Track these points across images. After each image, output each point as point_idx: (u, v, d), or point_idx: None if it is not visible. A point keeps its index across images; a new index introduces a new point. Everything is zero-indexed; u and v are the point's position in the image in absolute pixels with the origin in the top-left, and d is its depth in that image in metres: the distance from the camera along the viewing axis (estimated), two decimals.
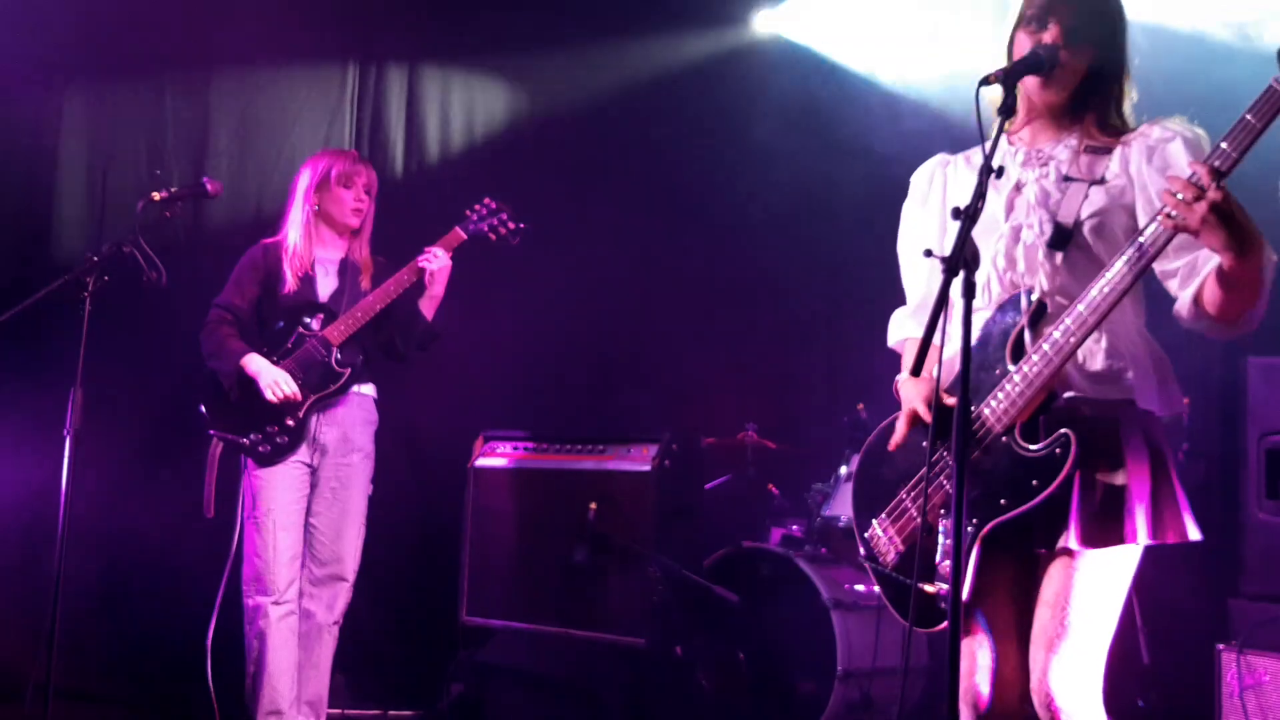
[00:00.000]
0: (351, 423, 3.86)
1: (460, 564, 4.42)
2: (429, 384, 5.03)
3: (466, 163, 5.26)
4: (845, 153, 5.12)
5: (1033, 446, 2.05)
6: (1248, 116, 1.85)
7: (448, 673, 4.39)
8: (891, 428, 2.36)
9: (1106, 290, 1.99)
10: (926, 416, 2.21)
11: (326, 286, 3.90)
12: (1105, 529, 2.06)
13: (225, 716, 3.75)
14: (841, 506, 4.51)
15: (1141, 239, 1.97)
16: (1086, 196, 2.15)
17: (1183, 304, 2.10)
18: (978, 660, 2.20)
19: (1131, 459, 2.09)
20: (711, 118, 5.46)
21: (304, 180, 3.92)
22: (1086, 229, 2.15)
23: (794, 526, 4.77)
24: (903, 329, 2.50)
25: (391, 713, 4.59)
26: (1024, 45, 2.19)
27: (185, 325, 3.92)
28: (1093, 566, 2.08)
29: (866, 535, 2.38)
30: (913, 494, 2.28)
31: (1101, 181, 2.15)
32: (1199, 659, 3.51)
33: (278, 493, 3.74)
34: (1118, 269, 1.99)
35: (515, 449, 4.48)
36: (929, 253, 2.00)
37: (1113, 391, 2.11)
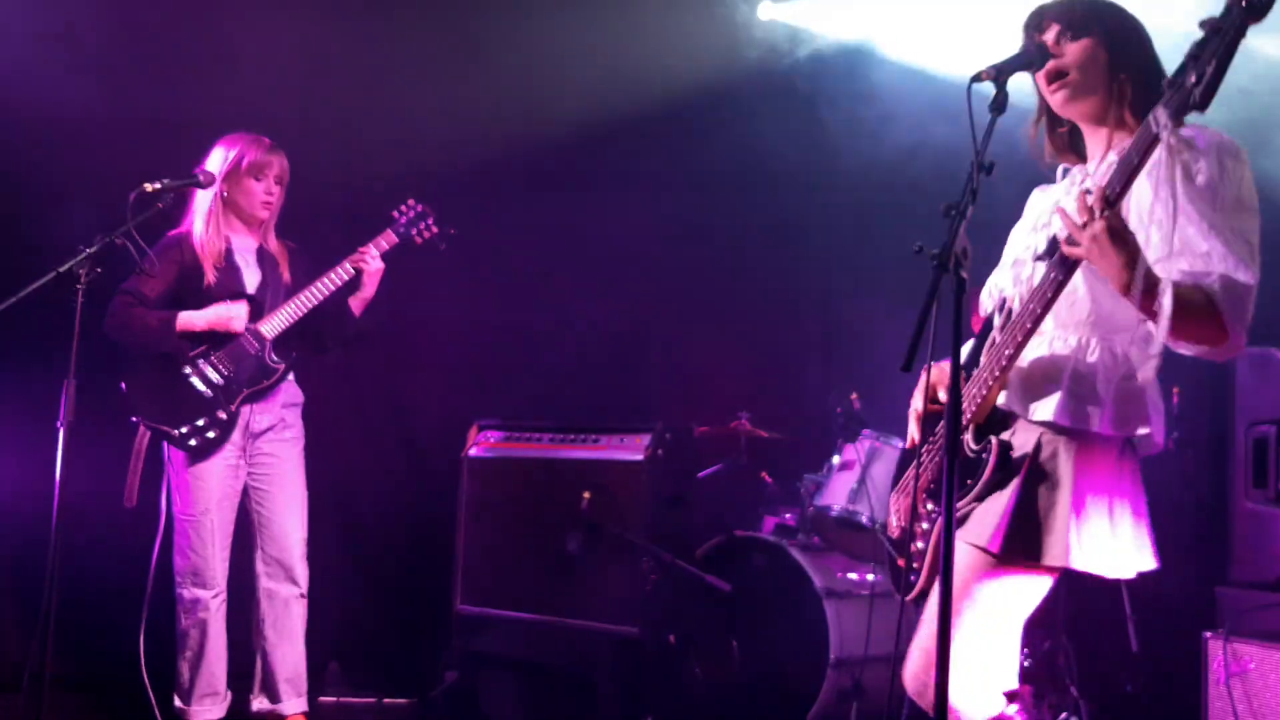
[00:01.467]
0: (279, 404, 3.88)
1: (454, 553, 4.44)
2: (422, 374, 5.05)
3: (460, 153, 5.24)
4: (843, 145, 5.13)
5: (974, 448, 2.15)
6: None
7: (442, 661, 4.42)
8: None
9: (1032, 306, 2.05)
10: (917, 404, 2.34)
11: (251, 278, 3.86)
12: (1024, 544, 2.05)
13: (162, 703, 3.76)
14: (834, 496, 4.53)
15: (1052, 260, 2.04)
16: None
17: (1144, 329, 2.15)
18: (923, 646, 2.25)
19: (1079, 479, 2.07)
20: (708, 111, 5.46)
21: (211, 165, 3.75)
22: None
23: (787, 515, 4.79)
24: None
25: (386, 701, 4.61)
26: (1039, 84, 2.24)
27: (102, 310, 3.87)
28: (988, 566, 2.09)
29: (891, 505, 2.51)
30: (913, 474, 2.38)
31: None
32: (1187, 646, 3.54)
33: (211, 488, 3.72)
34: (1039, 290, 2.06)
35: (508, 438, 4.49)
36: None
37: (1039, 411, 2.11)
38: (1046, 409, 2.10)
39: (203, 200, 3.80)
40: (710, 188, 5.46)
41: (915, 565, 2.28)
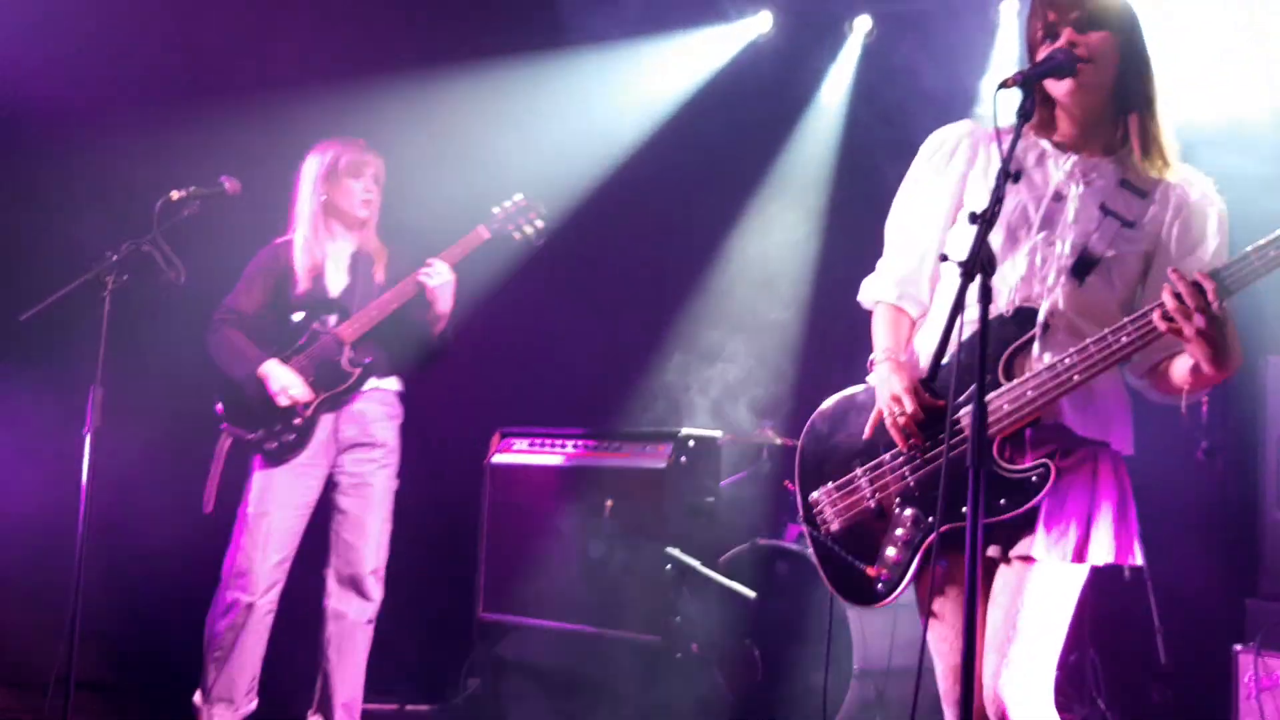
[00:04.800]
0: (370, 419, 3.78)
1: (477, 560, 4.45)
2: (446, 381, 5.05)
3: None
4: (867, 150, 5.11)
5: (1011, 467, 2.08)
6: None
7: (464, 668, 4.42)
8: (854, 400, 2.37)
9: (1116, 343, 2.01)
10: (910, 406, 2.16)
11: (338, 282, 3.80)
12: (1069, 544, 2.09)
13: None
14: None
15: (1131, 324, 2.00)
16: (1117, 234, 2.14)
17: (1138, 366, 2.17)
18: (949, 662, 2.24)
19: (1103, 487, 2.14)
20: (735, 112, 5.45)
21: (310, 170, 3.80)
22: (1109, 266, 2.14)
23: None
24: (879, 291, 2.40)
25: (408, 707, 4.62)
26: (1043, 55, 2.17)
27: (204, 324, 3.93)
28: (1046, 575, 2.11)
29: (810, 499, 2.38)
30: (870, 475, 2.27)
31: (1131, 225, 2.15)
32: (1216, 659, 3.50)
33: (277, 493, 3.67)
34: (1104, 343, 2.02)
35: (531, 446, 4.49)
36: (945, 256, 1.99)
37: (1097, 431, 2.14)
38: (1115, 435, 2.15)
39: (304, 205, 3.79)
40: (735, 198, 5.46)
41: (883, 573, 2.21)
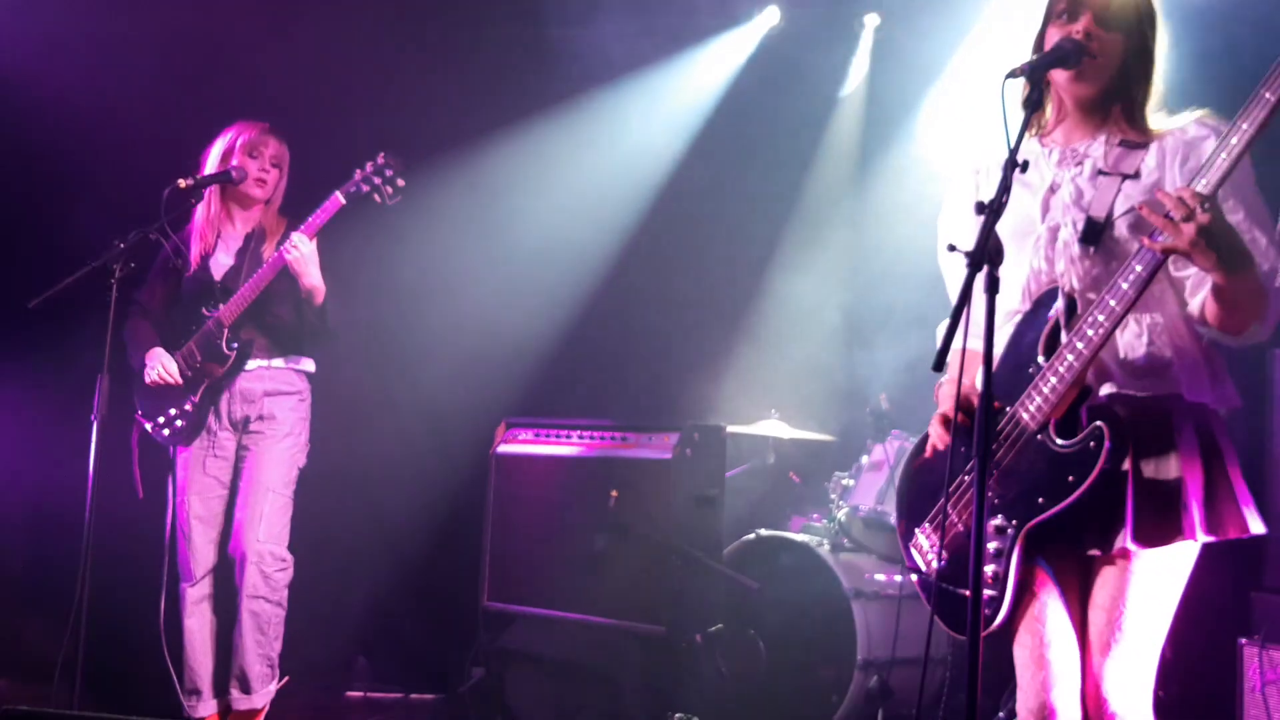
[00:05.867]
0: (257, 395, 3.77)
1: (482, 550, 4.45)
2: (452, 371, 5.06)
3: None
4: (868, 141, 5.10)
5: (1066, 442, 2.02)
6: (1264, 93, 1.84)
7: (468, 657, 4.42)
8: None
9: (1125, 285, 1.97)
10: (956, 417, 2.14)
11: (222, 265, 3.80)
12: (1161, 527, 2.02)
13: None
14: (862, 496, 4.51)
15: (1134, 260, 1.97)
16: (1119, 191, 2.12)
17: (1192, 311, 2.09)
18: (1053, 669, 2.11)
19: (1184, 453, 2.04)
20: (738, 103, 5.44)
21: (214, 152, 3.80)
22: (1119, 224, 2.11)
23: (815, 515, 4.77)
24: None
25: (413, 696, 4.63)
26: (1054, 39, 2.16)
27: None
28: (1148, 567, 2.05)
29: (911, 545, 2.32)
30: (952, 499, 2.21)
31: (1135, 176, 2.12)
32: (1221, 653, 3.49)
33: (187, 476, 3.75)
34: (1137, 263, 1.98)
35: (537, 436, 4.49)
36: (952, 247, 1.98)
37: (1157, 386, 2.07)
38: (1186, 385, 2.06)
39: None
40: (741, 188, 5.45)
41: (986, 595, 2.06)
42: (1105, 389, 2.09)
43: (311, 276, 3.68)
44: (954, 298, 2.38)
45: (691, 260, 5.40)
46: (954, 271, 2.40)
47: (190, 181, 3.57)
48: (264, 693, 3.75)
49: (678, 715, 3.86)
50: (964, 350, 2.14)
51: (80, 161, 4.60)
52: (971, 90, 4.80)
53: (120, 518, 4.07)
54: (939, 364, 1.95)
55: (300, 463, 3.84)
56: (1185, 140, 2.12)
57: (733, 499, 4.55)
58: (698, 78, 5.50)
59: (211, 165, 3.79)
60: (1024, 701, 2.14)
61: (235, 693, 3.72)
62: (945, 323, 2.45)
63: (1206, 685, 3.88)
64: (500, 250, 5.20)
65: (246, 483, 3.74)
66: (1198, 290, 2.07)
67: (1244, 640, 3.36)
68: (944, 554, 2.20)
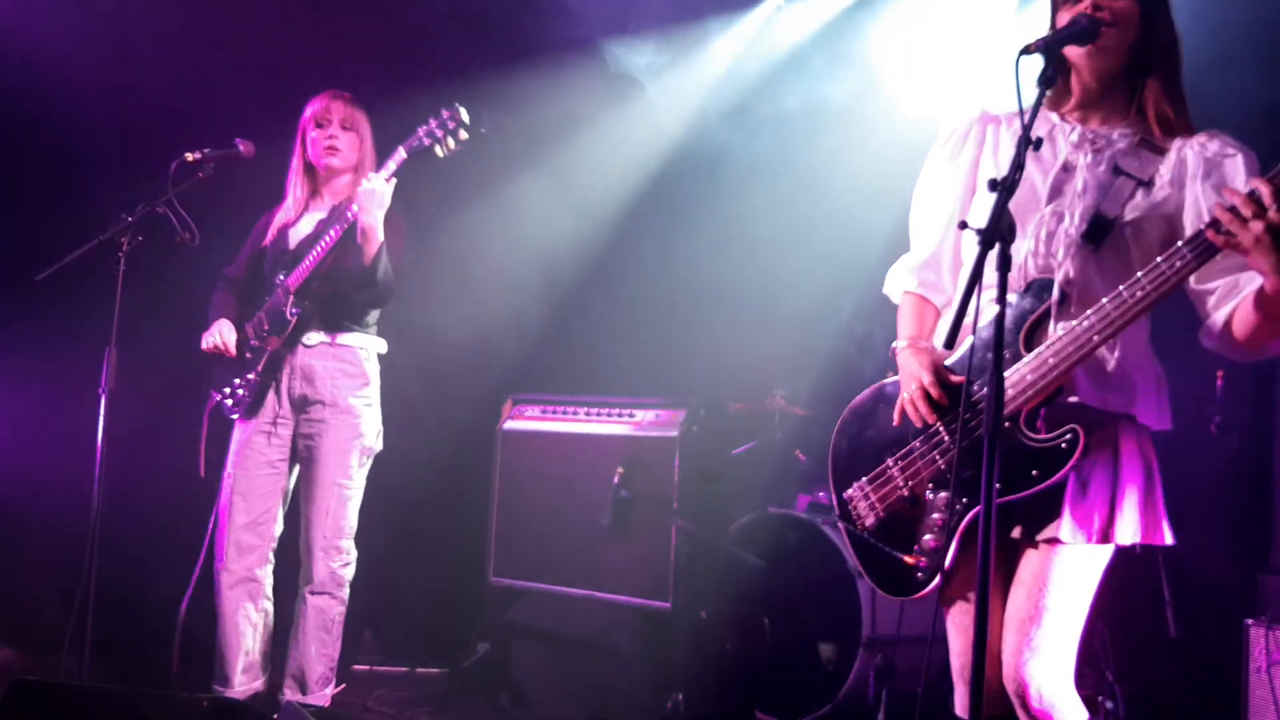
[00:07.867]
0: (321, 375, 3.62)
1: (488, 525, 4.46)
2: (459, 347, 5.06)
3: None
4: (872, 119, 5.07)
5: (1039, 436, 2.05)
6: None
7: (474, 632, 4.44)
8: (883, 392, 2.35)
9: (1140, 294, 1.97)
10: (935, 392, 2.16)
11: (300, 234, 3.70)
12: (1094, 525, 2.09)
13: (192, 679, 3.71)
14: None
15: (1185, 247, 1.95)
16: (1132, 196, 2.11)
17: (1214, 323, 2.10)
18: (966, 639, 2.22)
19: (1126, 466, 2.11)
20: (743, 84, 5.41)
21: (300, 131, 3.76)
22: (1125, 230, 2.11)
23: (820, 493, 4.77)
24: (901, 281, 2.43)
25: (419, 670, 4.65)
26: (1065, 20, 2.15)
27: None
28: (1071, 556, 2.11)
29: (845, 496, 2.36)
30: (901, 464, 2.26)
31: (1149, 184, 2.12)
32: (1227, 633, 3.49)
33: (244, 455, 3.62)
34: (1157, 271, 1.96)
35: (543, 412, 4.50)
36: (964, 224, 1.97)
37: (1116, 402, 2.11)
38: (1140, 407, 2.11)
39: (294, 162, 3.76)
40: (750, 165, 5.42)
41: (922, 561, 2.17)
42: (1070, 397, 2.10)
43: (371, 215, 3.46)
44: (918, 239, 2.41)
45: (700, 236, 5.38)
46: (925, 215, 2.39)
47: (198, 155, 3.55)
48: (321, 695, 3.62)
49: (679, 696, 3.88)
50: (962, 320, 2.10)
51: (89, 135, 4.59)
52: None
53: (129, 491, 4.09)
54: (950, 342, 1.94)
55: (370, 449, 3.71)
56: (1206, 157, 2.11)
57: (739, 476, 4.55)
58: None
59: (296, 145, 3.75)
60: (955, 663, 2.27)
61: (290, 690, 3.59)
62: (897, 266, 2.45)
63: (1212, 665, 3.89)
64: (508, 225, 5.19)
65: (310, 476, 3.62)
66: (1224, 302, 2.08)
67: (1250, 621, 3.36)
68: (881, 513, 2.27)
